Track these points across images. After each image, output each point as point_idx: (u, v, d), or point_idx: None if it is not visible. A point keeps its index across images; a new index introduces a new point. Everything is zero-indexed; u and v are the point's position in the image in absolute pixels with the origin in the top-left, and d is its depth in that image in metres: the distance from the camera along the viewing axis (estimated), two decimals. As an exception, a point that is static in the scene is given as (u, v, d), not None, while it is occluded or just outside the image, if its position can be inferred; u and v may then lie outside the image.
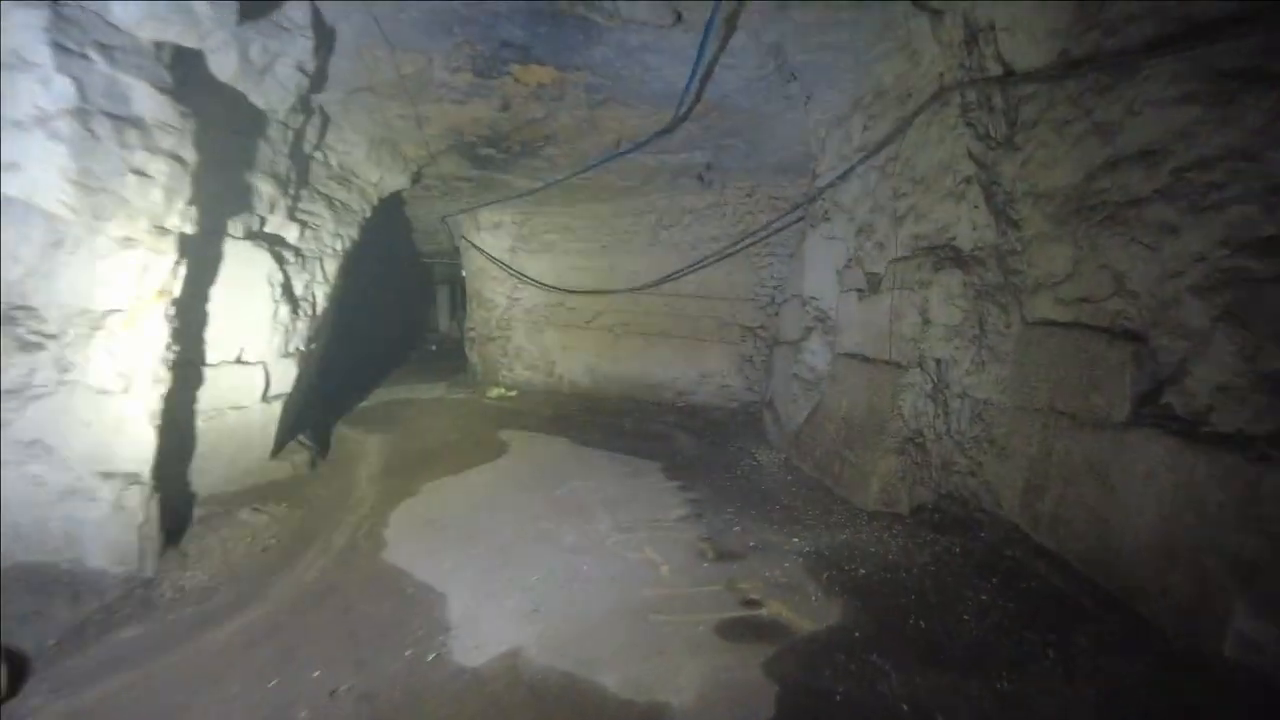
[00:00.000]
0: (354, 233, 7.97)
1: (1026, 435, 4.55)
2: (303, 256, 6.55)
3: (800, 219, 8.54)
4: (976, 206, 4.80)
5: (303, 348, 6.69)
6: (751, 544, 4.87)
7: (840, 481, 5.83)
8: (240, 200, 5.63)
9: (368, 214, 8.29)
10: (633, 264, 10.53)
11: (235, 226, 5.57)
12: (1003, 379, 4.77)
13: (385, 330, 19.70)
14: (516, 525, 5.32)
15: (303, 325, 6.60)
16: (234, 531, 5.36)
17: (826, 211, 7.00)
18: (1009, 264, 4.76)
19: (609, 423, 9.22)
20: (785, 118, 7.16)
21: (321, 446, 7.81)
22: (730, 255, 9.63)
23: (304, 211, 6.62)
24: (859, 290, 6.16)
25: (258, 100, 5.43)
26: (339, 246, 7.47)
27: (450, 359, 16.00)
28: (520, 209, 11.40)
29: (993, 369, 4.84)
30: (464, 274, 12.95)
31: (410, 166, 8.48)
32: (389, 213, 11.99)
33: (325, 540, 5.13)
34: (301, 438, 7.46)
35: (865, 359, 5.93)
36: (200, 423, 5.37)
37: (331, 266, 7.31)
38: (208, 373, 5.49)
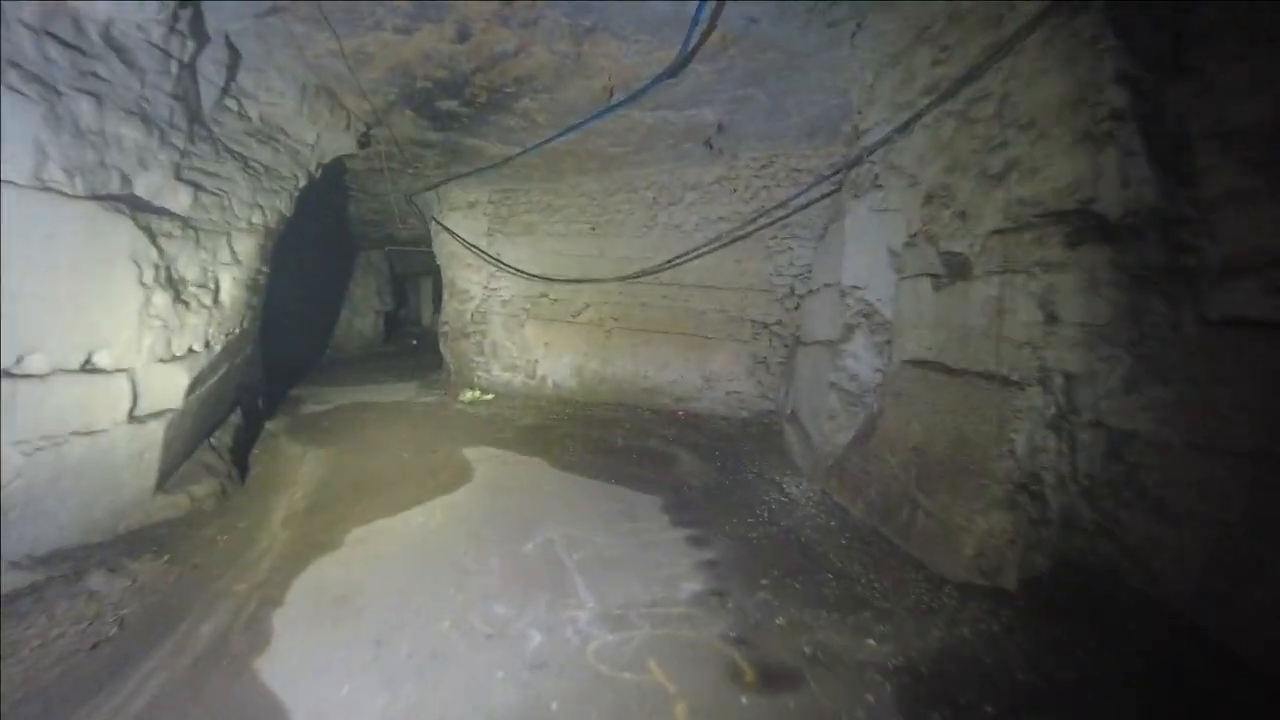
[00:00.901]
0: (282, 204, 6.41)
1: (1210, 488, 3.06)
2: (196, 230, 4.92)
3: (830, 193, 7.10)
4: (1133, 154, 3.34)
5: (199, 348, 5.15)
6: (807, 650, 3.28)
7: (910, 535, 4.30)
8: (79, 146, 3.94)
9: (302, 182, 6.74)
10: (626, 249, 9.01)
11: (71, 181, 3.91)
12: (1163, 403, 3.33)
13: (358, 324, 18.30)
14: (459, 610, 3.73)
15: (196, 320, 5.00)
16: (72, 609, 3.80)
17: (876, 177, 5.49)
18: (1179, 237, 3.34)
19: (598, 437, 7.66)
20: (822, 58, 5.63)
21: (242, 468, 6.35)
22: (741, 238, 8.14)
23: (201, 172, 5.01)
24: (933, 276, 4.60)
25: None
26: (258, 220, 5.90)
27: (430, 354, 14.28)
28: (497, 186, 9.89)
29: (1149, 389, 3.37)
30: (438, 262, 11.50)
31: (355, 125, 6.92)
32: (358, 194, 10.54)
33: (190, 628, 3.52)
34: (212, 459, 6.01)
35: (946, 369, 4.38)
36: (18, 456, 3.89)
37: (246, 245, 5.72)
38: (21, 387, 3.80)
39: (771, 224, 7.92)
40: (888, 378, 5.08)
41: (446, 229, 10.46)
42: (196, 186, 4.91)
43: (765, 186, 8.06)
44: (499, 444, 7.39)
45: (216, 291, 5.24)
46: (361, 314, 18.09)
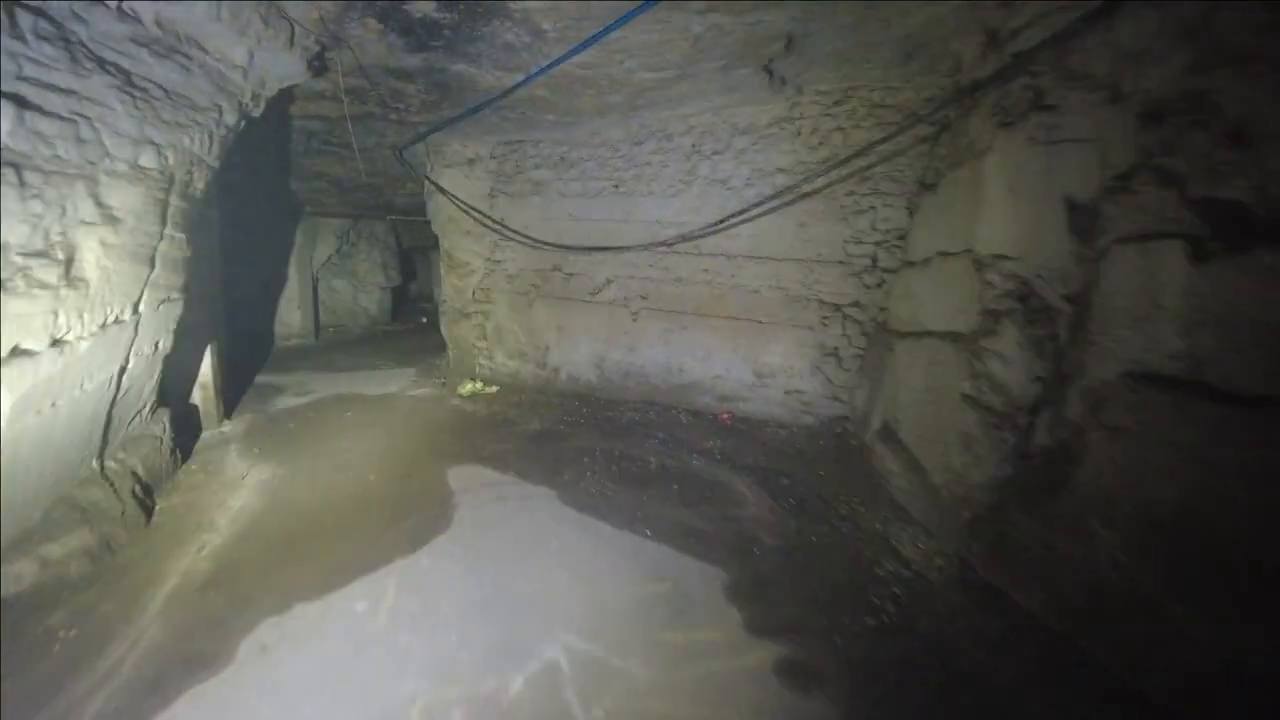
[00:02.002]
0: (197, 145, 4.67)
1: None
2: (19, 169, 3.21)
3: (929, 136, 5.42)
4: None
5: (35, 346, 3.42)
6: None
7: (1149, 668, 2.55)
8: None
9: (230, 118, 4.97)
10: (658, 210, 7.20)
11: None
12: None
13: (363, 301, 16.73)
14: None
15: (22, 305, 3.29)
16: None
17: (1039, 94, 3.84)
18: None
19: (624, 453, 5.94)
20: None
21: (155, 498, 4.90)
22: (808, 195, 6.33)
23: (38, 85, 3.40)
24: (1185, 239, 2.78)
25: None
26: (150, 163, 4.14)
27: (438, 334, 12.16)
28: (500, 136, 8.17)
29: None
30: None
31: (302, 42, 5.26)
32: (340, 150, 8.91)
33: None
34: (98, 495, 4.46)
35: (1227, 398, 2.55)
36: None
37: (127, 196, 4.03)
38: None
39: (848, 177, 6.20)
40: (1090, 398, 3.28)
41: (441, 190, 8.79)
42: (21, 103, 3.31)
43: (839, 128, 6.24)
44: (495, 462, 5.71)
45: (69, 263, 3.67)
46: (367, 290, 16.49)
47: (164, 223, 4.55)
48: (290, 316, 14.06)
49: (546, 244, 7.78)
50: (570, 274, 7.96)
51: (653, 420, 6.99)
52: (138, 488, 4.73)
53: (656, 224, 7.20)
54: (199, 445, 6.25)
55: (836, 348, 6.44)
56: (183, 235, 4.95)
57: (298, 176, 10.87)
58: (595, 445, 6.17)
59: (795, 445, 6.14)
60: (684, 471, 5.51)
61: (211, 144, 4.85)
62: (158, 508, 4.75)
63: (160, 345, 5.13)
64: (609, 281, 7.65)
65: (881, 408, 5.36)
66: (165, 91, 4.19)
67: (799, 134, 6.38)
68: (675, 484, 5.22)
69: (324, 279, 15.67)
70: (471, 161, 8.57)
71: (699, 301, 7.06)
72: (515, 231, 8.10)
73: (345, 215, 14.70)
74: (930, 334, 4.58)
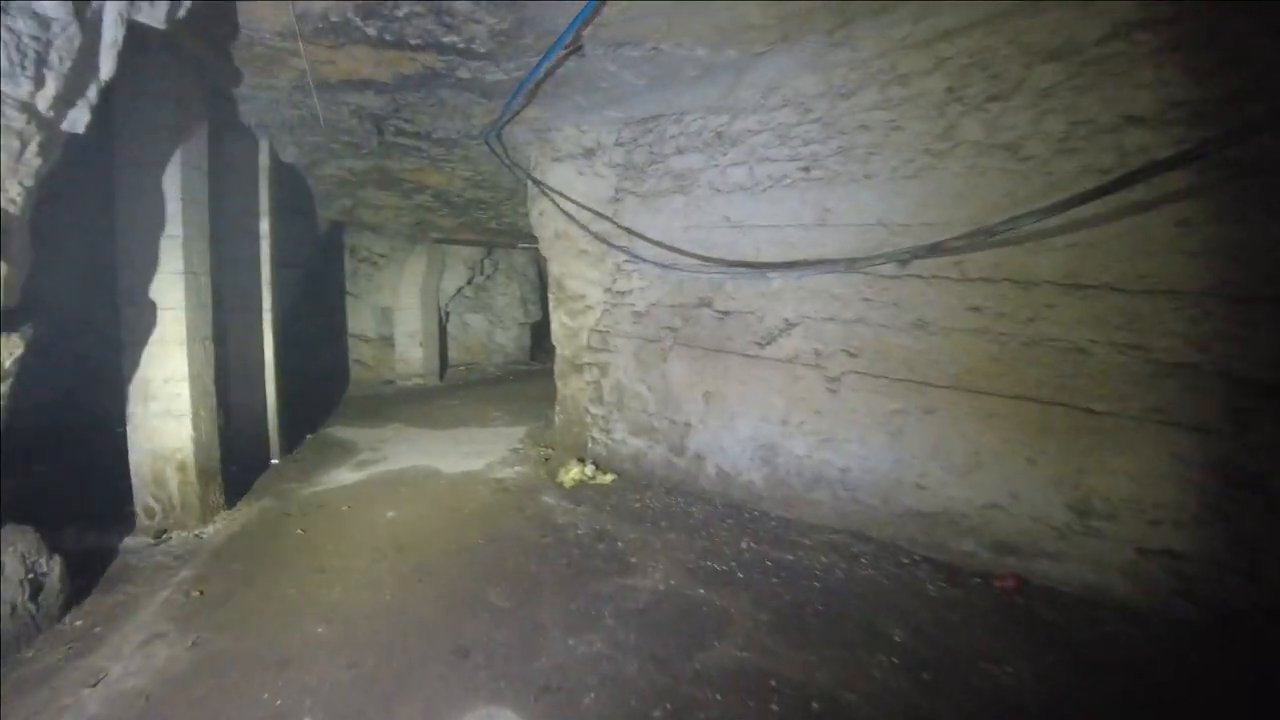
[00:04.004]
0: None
1: None
2: None
3: None
4: None
5: None
6: None
7: None
8: None
9: None
10: (879, 204, 4.27)
11: None
12: None
13: (499, 337, 14.90)
14: None
15: None
16: None
17: None
18: None
19: (830, 689, 2.96)
20: None
21: None
22: (1196, 159, 3.19)
23: None
24: None
25: None
26: None
27: None
28: (630, 111, 5.49)
29: None
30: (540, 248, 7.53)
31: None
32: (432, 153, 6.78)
33: None
34: None
35: None
36: None
37: None
38: None
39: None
40: None
41: (548, 192, 6.44)
42: None
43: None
44: (586, 683, 2.96)
45: None
46: (504, 325, 14.97)
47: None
48: (410, 353, 12.56)
49: (696, 257, 5.16)
50: (725, 311, 5.22)
51: (865, 576, 3.95)
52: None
53: (878, 227, 4.30)
54: (134, 566, 4.13)
55: (1263, 474, 3.31)
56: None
57: (398, 191, 9.02)
58: (771, 646, 3.33)
59: (1166, 669, 3.06)
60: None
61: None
62: None
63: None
64: (790, 325, 4.83)
65: None
66: None
67: (1174, 48, 3.39)
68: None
69: (457, 313, 14.20)
70: (590, 152, 6.12)
71: (961, 364, 4.00)
72: (651, 242, 5.56)
73: (476, 243, 12.99)
74: None
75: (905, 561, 4.09)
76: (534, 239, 11.38)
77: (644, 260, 5.66)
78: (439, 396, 10.96)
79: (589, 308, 6.24)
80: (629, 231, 5.75)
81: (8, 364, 3.14)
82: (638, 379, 5.81)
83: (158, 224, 4.60)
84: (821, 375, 4.57)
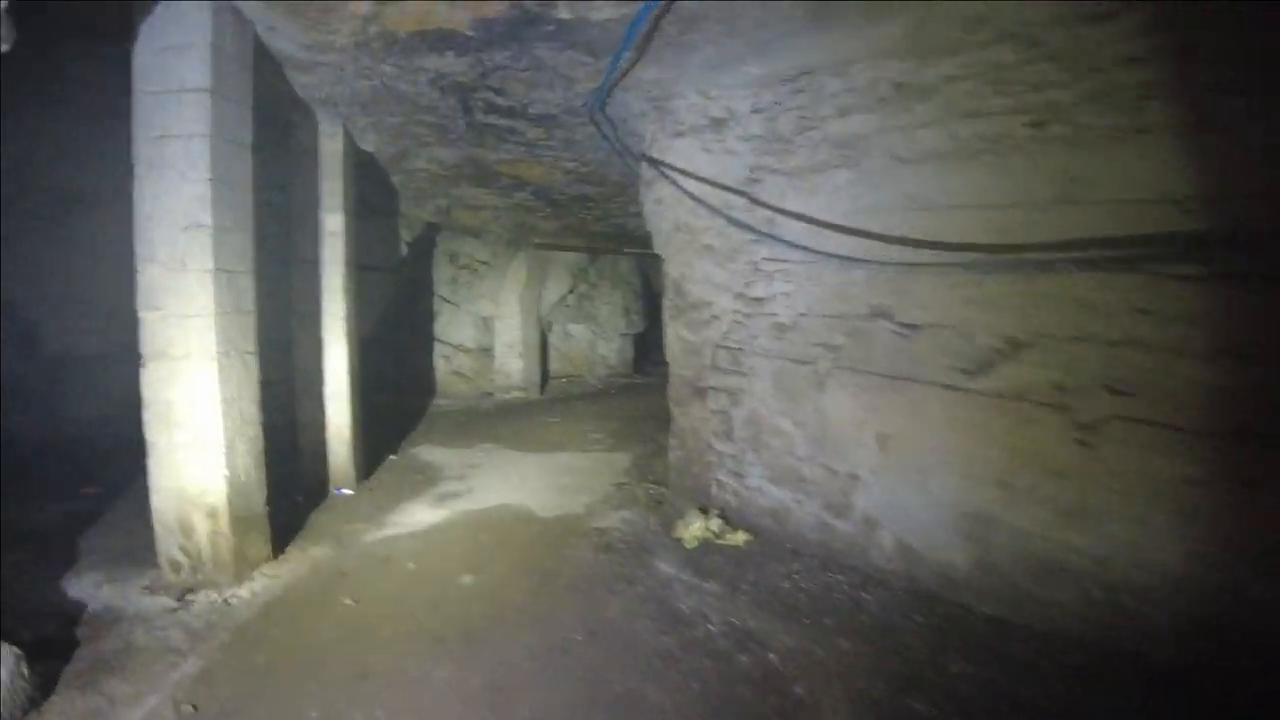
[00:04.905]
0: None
1: None
2: None
3: None
4: None
5: None
6: None
7: None
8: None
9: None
10: (1161, 172, 2.85)
11: None
12: None
13: (602, 349, 13.93)
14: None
15: None
16: None
17: None
18: None
19: None
20: None
21: None
22: None
23: None
24: None
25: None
26: None
27: None
28: (773, 65, 4.20)
29: None
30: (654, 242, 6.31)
31: None
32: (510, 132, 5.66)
33: None
34: None
35: None
36: None
37: None
38: None
39: None
40: None
41: (666, 173, 5.32)
42: None
43: None
44: None
45: None
46: (606, 337, 14.09)
47: None
48: (509, 365, 11.87)
49: (873, 237, 3.90)
50: (912, 325, 3.88)
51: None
52: None
53: (1162, 204, 2.91)
54: (138, 645, 3.27)
55: None
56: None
57: (495, 188, 8.14)
58: None
59: None
60: None
61: None
62: None
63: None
64: (1016, 346, 3.40)
65: None
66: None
67: None
68: None
69: (559, 323, 13.43)
70: (719, 123, 4.92)
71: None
72: (817, 221, 4.32)
73: (580, 248, 12.31)
74: None
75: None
76: (642, 242, 10.38)
77: (790, 257, 4.43)
78: (538, 412, 10.14)
79: (715, 318, 5.03)
80: (772, 218, 4.55)
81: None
82: (781, 411, 4.55)
83: (181, 210, 3.77)
84: (1067, 421, 3.18)
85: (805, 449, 4.42)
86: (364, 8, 3.77)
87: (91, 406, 7.11)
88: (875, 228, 3.96)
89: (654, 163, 5.19)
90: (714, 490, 5.10)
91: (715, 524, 4.75)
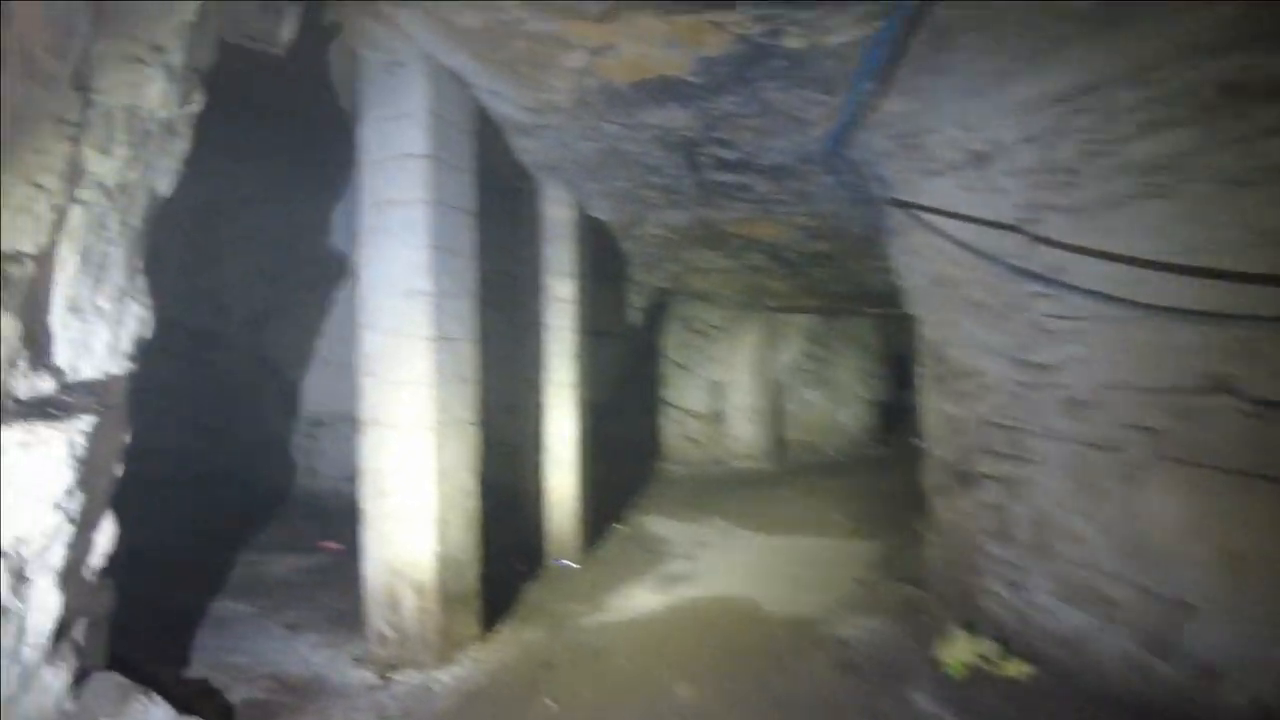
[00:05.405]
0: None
1: None
2: None
3: None
4: None
5: None
6: None
7: None
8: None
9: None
10: None
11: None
12: None
13: (840, 416, 13.10)
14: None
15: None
16: None
17: None
18: None
19: None
20: None
21: None
22: None
23: None
24: None
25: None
26: None
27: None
28: (1055, 81, 3.39)
29: None
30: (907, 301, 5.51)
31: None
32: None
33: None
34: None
35: None
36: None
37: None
38: None
39: None
40: None
41: (921, 216, 4.57)
42: None
43: None
44: None
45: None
46: (845, 403, 13.25)
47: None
48: (742, 431, 11.72)
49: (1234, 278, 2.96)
50: (1268, 403, 2.88)
51: None
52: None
53: None
54: None
55: None
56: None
57: (726, 250, 7.88)
58: None
59: None
60: None
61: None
62: None
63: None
64: None
65: None
66: None
67: None
68: None
69: (793, 388, 12.84)
70: (980, 158, 4.15)
71: None
72: (1130, 259, 3.38)
73: (815, 310, 11.88)
74: None
75: None
76: (884, 301, 9.55)
77: (1084, 313, 3.55)
78: (770, 484, 9.67)
79: (984, 389, 4.19)
80: (1060, 264, 3.71)
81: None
82: (1076, 510, 3.58)
83: (400, 276, 3.80)
84: None
85: (1111, 562, 3.42)
86: (577, 59, 3.65)
87: (343, 464, 7.77)
88: (1210, 274, 3.03)
89: (906, 207, 4.55)
90: (984, 602, 4.17)
91: (987, 647, 3.84)
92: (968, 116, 4.12)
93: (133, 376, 2.58)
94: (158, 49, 2.17)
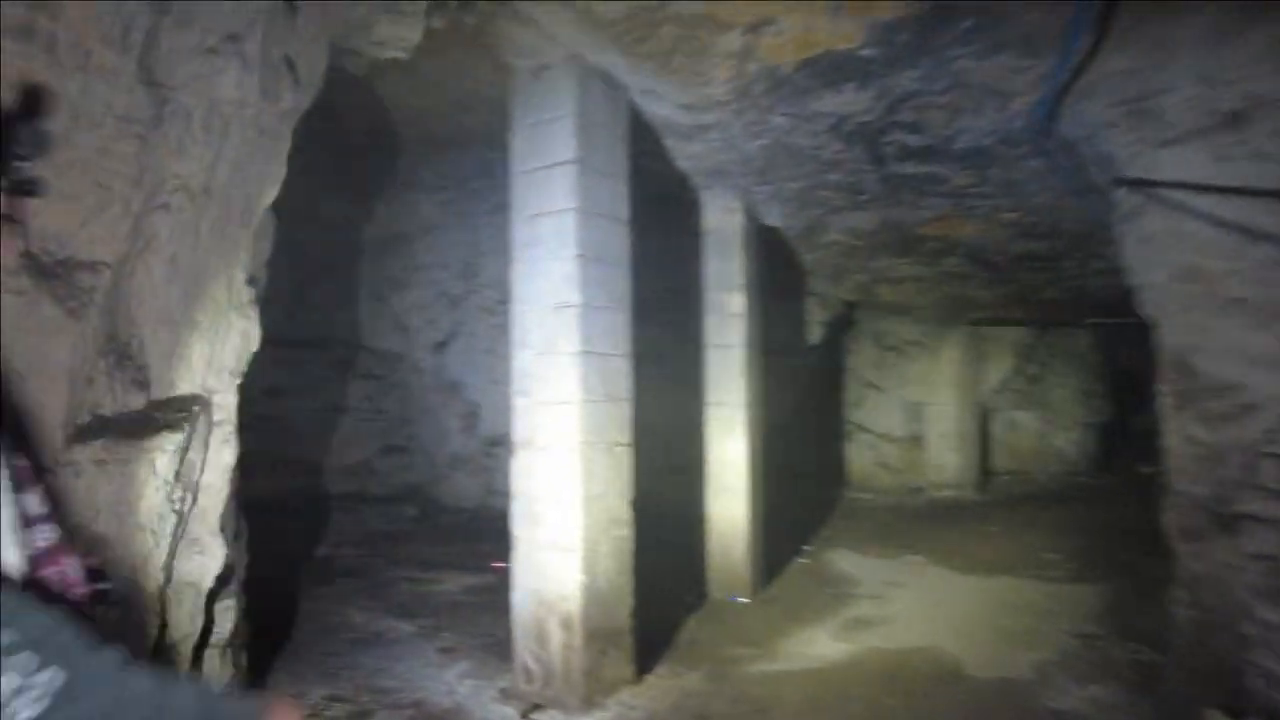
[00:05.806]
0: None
1: None
2: None
3: None
4: None
5: None
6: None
7: None
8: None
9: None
10: None
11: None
12: None
13: (1055, 440, 12.13)
14: None
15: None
16: None
17: None
18: None
19: None
20: None
21: None
22: None
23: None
24: None
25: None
26: None
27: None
28: None
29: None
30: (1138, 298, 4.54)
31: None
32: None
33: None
34: None
35: None
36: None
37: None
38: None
39: None
40: None
41: (1161, 195, 3.69)
42: None
43: None
44: None
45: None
46: (1062, 426, 12.19)
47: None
48: (943, 457, 10.91)
49: None
50: None
51: None
52: None
53: None
54: None
55: None
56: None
57: (917, 255, 7.18)
58: None
59: None
60: None
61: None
62: None
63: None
64: None
65: None
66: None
67: None
68: None
69: (1001, 410, 11.99)
70: (1235, 118, 3.31)
71: None
72: None
73: (1025, 321, 10.94)
74: None
75: None
76: (1107, 308, 8.40)
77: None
78: (975, 516, 8.88)
79: (1250, 408, 3.33)
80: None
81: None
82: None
83: (550, 290, 3.65)
84: None
85: None
86: (732, 41, 3.34)
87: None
88: None
89: (1140, 186, 3.77)
90: (1250, 682, 3.28)
91: (1255, 740, 3.02)
92: (1213, 68, 3.35)
93: (240, 390, 2.58)
94: (232, 38, 2.13)
